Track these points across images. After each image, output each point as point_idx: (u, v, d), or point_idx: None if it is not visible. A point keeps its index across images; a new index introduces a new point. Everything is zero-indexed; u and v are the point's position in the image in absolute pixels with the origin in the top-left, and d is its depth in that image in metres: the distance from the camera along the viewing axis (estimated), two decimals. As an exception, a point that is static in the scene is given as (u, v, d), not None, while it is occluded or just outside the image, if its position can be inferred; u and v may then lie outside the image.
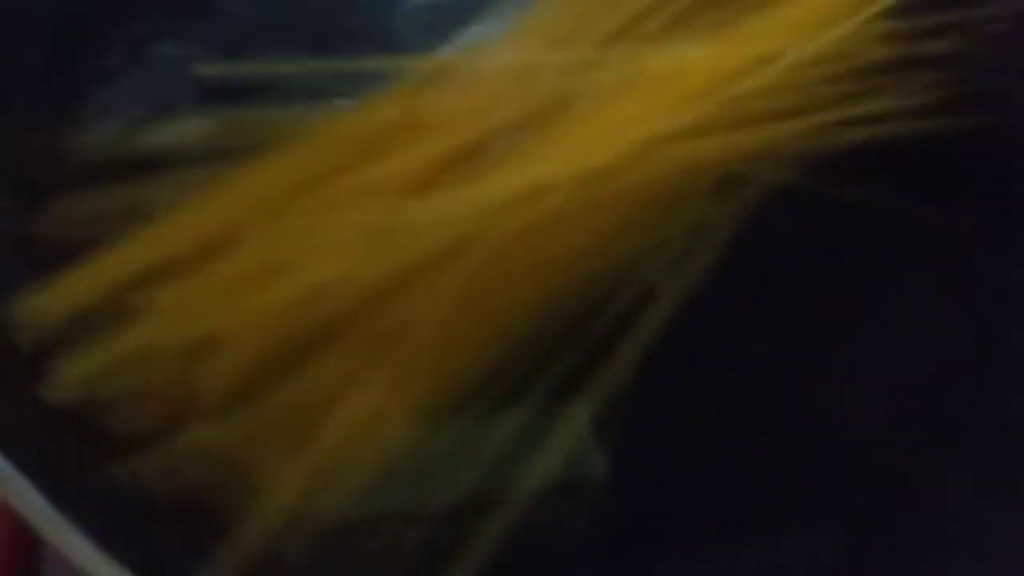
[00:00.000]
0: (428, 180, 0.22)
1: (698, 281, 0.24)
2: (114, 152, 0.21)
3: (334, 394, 0.20)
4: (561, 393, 0.22)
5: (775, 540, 0.24)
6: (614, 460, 0.23)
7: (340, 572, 0.21)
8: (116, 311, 0.19)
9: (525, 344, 0.22)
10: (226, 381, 0.19)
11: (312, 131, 0.22)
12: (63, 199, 0.21)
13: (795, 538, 0.24)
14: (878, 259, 0.27)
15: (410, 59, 0.24)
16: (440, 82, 0.23)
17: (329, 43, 0.26)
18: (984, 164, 0.28)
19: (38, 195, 0.21)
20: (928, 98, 0.26)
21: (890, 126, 0.26)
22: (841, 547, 0.24)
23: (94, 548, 0.16)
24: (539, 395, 0.22)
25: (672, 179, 0.24)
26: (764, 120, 0.25)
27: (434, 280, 0.21)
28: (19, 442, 0.18)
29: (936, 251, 0.27)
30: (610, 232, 0.24)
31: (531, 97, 0.23)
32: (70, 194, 0.21)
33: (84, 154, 0.21)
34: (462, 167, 0.22)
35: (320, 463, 0.19)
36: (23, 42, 0.23)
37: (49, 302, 0.19)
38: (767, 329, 0.25)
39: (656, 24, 0.25)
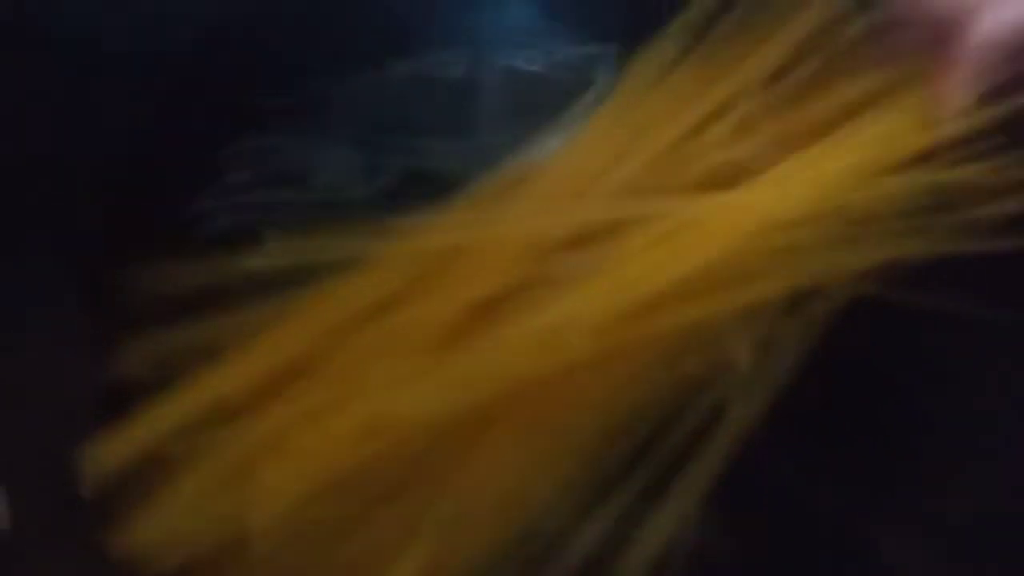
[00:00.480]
0: (486, 313, 0.21)
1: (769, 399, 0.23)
2: (190, 287, 0.22)
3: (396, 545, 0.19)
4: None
5: None
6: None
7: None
8: (176, 456, 0.20)
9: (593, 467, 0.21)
10: (278, 527, 0.19)
11: (371, 261, 0.22)
12: (137, 340, 0.21)
13: None
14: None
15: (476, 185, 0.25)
16: (498, 209, 0.23)
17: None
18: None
19: (113, 338, 0.21)
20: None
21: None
22: None
23: None
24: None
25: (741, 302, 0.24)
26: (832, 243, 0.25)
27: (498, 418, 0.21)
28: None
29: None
30: (672, 355, 0.23)
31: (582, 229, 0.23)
32: (143, 334, 0.21)
33: (159, 291, 0.22)
34: (516, 300, 0.22)
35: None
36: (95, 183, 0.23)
37: (116, 448, 0.19)
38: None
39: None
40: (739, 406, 0.23)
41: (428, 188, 0.26)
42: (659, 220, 0.23)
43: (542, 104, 0.28)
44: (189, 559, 0.19)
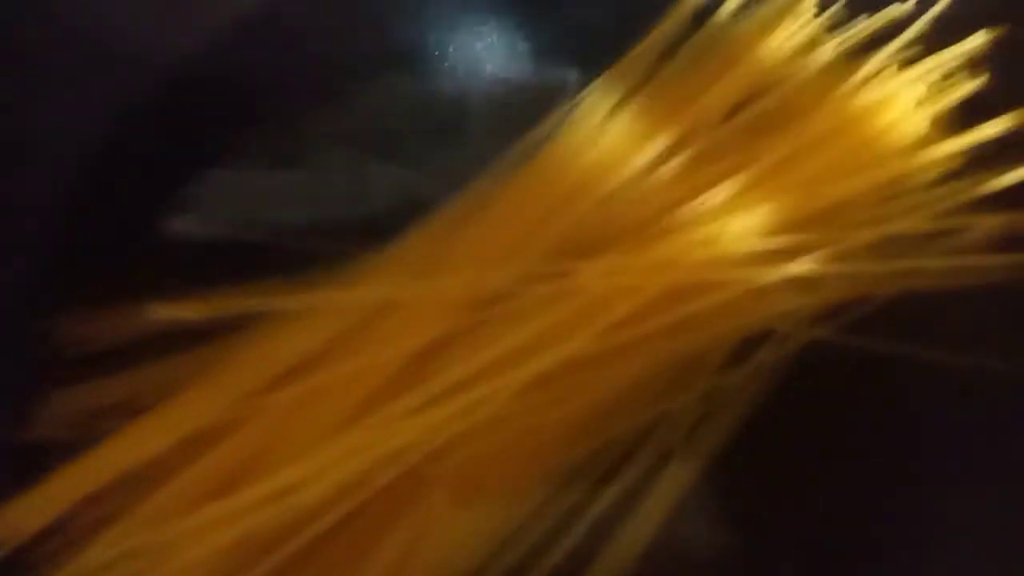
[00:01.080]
0: (413, 369, 0.21)
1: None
2: (108, 340, 0.22)
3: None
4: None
5: None
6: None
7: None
8: (90, 524, 0.19)
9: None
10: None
11: (302, 311, 0.22)
12: (55, 397, 0.21)
13: None
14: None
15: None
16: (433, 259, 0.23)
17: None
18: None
19: (28, 399, 0.21)
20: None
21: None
22: None
23: None
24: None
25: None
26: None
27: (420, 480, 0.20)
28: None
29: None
30: (619, 401, 0.23)
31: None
32: (61, 391, 0.21)
33: (79, 345, 0.22)
34: (447, 353, 0.21)
35: None
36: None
37: (26, 514, 0.19)
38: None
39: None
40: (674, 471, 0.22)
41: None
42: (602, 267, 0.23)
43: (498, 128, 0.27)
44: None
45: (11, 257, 0.22)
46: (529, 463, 0.22)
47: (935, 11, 0.28)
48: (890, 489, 0.23)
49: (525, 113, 0.27)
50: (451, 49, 0.30)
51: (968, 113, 0.27)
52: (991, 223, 0.25)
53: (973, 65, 0.27)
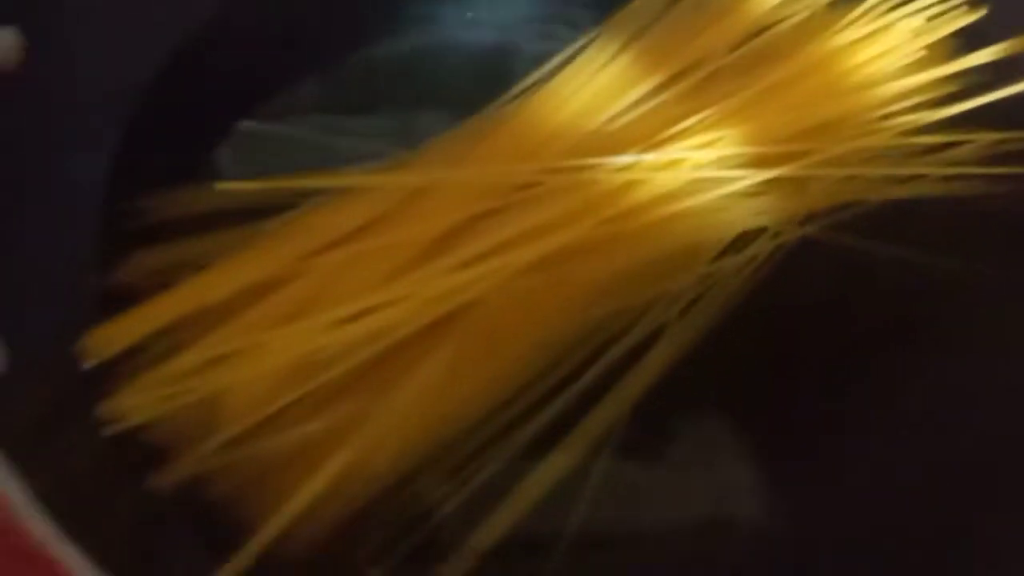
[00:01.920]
0: (440, 245, 0.24)
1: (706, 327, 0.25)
2: (176, 213, 0.25)
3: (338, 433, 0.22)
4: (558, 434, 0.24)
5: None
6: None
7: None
8: (166, 348, 0.23)
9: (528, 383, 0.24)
10: (247, 413, 0.22)
11: (341, 193, 0.25)
12: (135, 255, 0.25)
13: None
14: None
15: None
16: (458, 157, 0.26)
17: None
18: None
19: (115, 251, 0.24)
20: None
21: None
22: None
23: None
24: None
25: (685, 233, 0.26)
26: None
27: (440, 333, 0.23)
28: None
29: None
30: (621, 279, 0.25)
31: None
32: (140, 250, 0.25)
33: (152, 216, 0.25)
34: (469, 232, 0.24)
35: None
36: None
37: (111, 337, 0.22)
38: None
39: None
40: (672, 337, 0.25)
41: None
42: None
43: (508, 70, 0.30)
44: (168, 431, 0.22)
45: (98, 143, 0.26)
46: (537, 330, 0.25)
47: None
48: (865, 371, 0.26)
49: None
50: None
51: (967, 41, 0.30)
52: (981, 140, 0.28)
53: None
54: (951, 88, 0.28)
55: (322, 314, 0.23)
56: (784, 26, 0.30)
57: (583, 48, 0.30)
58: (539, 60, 0.30)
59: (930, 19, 0.29)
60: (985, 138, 0.27)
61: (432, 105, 0.31)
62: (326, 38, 0.31)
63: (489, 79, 0.30)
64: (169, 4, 0.28)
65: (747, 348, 0.26)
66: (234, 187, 0.24)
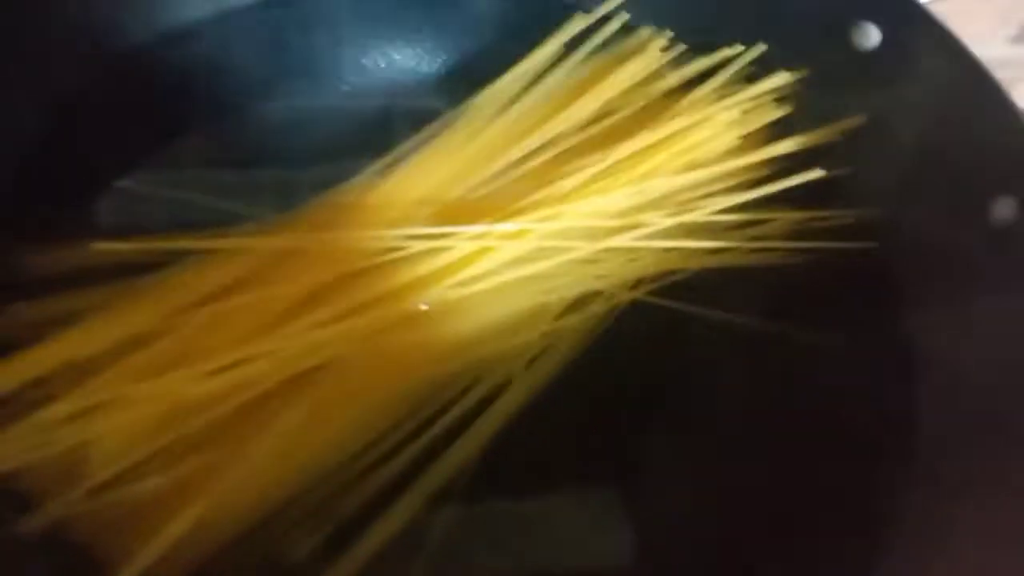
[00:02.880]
0: (305, 303, 0.27)
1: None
2: (52, 269, 0.27)
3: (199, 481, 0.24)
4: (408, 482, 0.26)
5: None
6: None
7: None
8: (38, 399, 0.24)
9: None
10: (113, 461, 0.23)
11: (213, 252, 0.27)
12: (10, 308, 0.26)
13: None
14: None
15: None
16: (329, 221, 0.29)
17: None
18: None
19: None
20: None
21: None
22: None
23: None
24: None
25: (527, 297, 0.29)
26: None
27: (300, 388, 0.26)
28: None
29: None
30: (472, 337, 0.28)
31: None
32: (16, 303, 0.26)
33: (29, 270, 0.27)
34: (334, 292, 0.27)
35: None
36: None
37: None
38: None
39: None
40: (518, 389, 0.28)
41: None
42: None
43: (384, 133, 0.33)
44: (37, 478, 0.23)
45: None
46: (392, 384, 0.27)
47: (753, 55, 0.35)
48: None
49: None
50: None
51: (776, 132, 0.34)
52: (785, 217, 0.32)
53: (779, 97, 0.35)
54: (761, 172, 0.33)
55: (188, 368, 0.24)
56: (624, 113, 0.34)
57: (452, 120, 0.34)
58: (412, 128, 0.33)
59: (746, 112, 0.34)
60: (788, 216, 0.32)
61: (310, 166, 0.33)
62: (211, 97, 0.34)
63: (366, 143, 0.33)
64: (51, 64, 0.30)
65: (586, 399, 0.29)
66: (109, 246, 0.26)
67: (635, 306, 0.30)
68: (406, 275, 0.28)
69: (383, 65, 0.36)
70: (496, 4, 0.37)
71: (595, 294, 0.30)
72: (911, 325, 0.31)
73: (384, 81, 0.36)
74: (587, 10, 0.36)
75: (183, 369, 0.24)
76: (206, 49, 0.33)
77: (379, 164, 0.32)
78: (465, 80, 0.35)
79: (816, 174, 0.32)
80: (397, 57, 0.36)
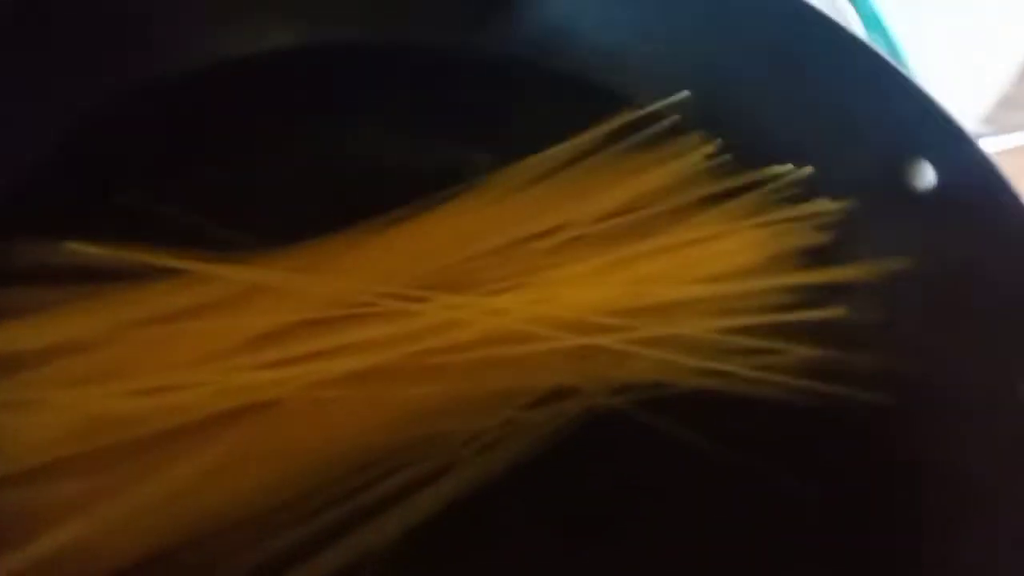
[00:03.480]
0: (259, 342, 0.26)
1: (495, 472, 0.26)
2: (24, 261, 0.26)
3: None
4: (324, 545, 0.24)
5: None
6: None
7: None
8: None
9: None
10: (20, 458, 0.23)
11: (190, 273, 0.27)
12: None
13: None
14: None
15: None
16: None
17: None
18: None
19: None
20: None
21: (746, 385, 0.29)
22: None
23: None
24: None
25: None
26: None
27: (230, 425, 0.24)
28: None
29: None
30: (426, 409, 0.27)
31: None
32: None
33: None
34: (290, 335, 0.26)
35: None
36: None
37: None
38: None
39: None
40: (460, 474, 0.26)
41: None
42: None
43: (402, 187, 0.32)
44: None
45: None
46: (329, 441, 0.25)
47: (798, 175, 0.33)
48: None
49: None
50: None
51: (806, 260, 0.32)
52: (794, 352, 0.30)
53: (817, 224, 0.32)
54: (782, 298, 0.31)
55: (123, 381, 0.24)
56: (649, 211, 0.32)
57: (471, 187, 0.33)
58: (431, 187, 0.32)
59: (778, 233, 0.32)
60: (800, 352, 0.29)
61: (318, 207, 0.32)
62: (235, 128, 0.34)
63: (382, 194, 0.32)
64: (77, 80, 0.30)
65: (531, 503, 0.27)
66: (83, 249, 0.25)
67: (609, 413, 0.28)
68: (372, 332, 0.26)
69: (417, 124, 0.36)
70: (545, 88, 0.37)
71: (570, 391, 0.28)
72: (916, 500, 0.28)
73: (414, 138, 0.36)
74: (639, 106, 0.35)
75: (116, 382, 0.24)
76: (239, 83, 0.33)
77: (386, 216, 0.31)
78: (497, 153, 0.34)
79: (839, 312, 0.30)
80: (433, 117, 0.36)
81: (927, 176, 0.31)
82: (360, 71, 0.36)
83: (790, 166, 0.33)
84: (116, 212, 0.30)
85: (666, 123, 0.35)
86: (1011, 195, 0.28)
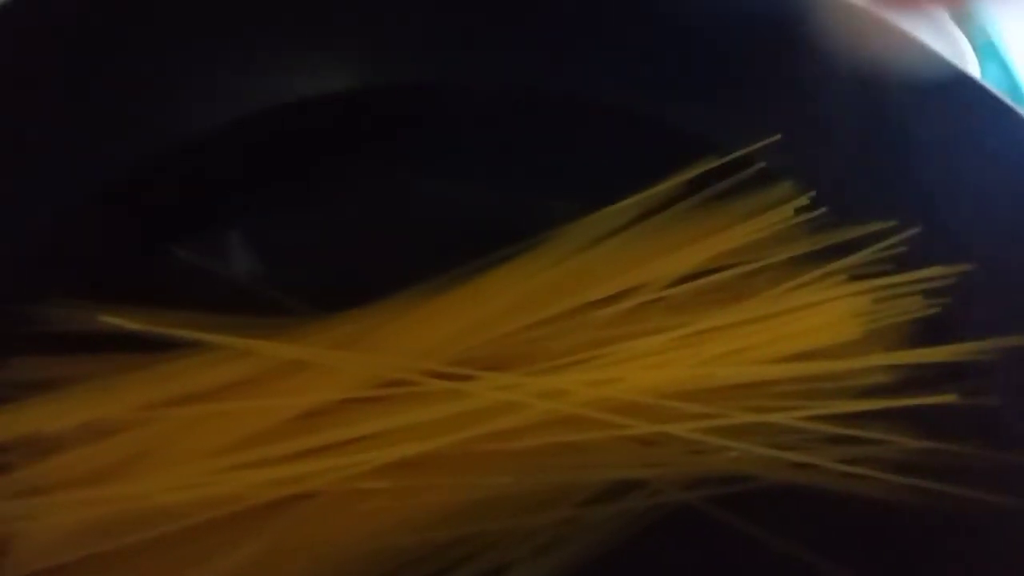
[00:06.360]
0: (296, 424, 0.24)
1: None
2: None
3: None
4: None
5: None
6: None
7: None
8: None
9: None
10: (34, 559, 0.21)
11: (228, 349, 0.25)
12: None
13: None
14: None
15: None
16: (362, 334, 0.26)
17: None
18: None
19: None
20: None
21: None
22: None
23: None
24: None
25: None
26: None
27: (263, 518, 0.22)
28: None
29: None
30: (475, 504, 0.24)
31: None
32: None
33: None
34: (329, 418, 0.24)
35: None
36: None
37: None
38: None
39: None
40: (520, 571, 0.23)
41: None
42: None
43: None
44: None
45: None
46: (368, 539, 0.23)
47: (905, 235, 0.29)
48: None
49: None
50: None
51: (916, 336, 0.28)
52: (897, 443, 0.26)
53: (930, 293, 0.28)
54: (884, 379, 0.27)
55: (149, 473, 0.22)
56: (731, 274, 0.29)
57: (534, 244, 0.30)
58: (497, 241, 0.29)
59: (880, 301, 0.28)
60: (900, 442, 0.26)
61: (373, 265, 0.31)
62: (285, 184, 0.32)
63: (439, 251, 0.30)
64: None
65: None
66: (115, 320, 0.24)
67: (681, 510, 0.25)
68: (417, 416, 0.24)
69: (482, 172, 0.34)
70: (624, 131, 0.34)
71: (637, 484, 0.25)
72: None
73: (480, 188, 0.33)
74: (724, 152, 0.32)
75: (142, 473, 0.22)
76: (290, 130, 0.32)
77: (444, 277, 0.29)
78: (567, 202, 0.32)
79: (950, 397, 0.26)
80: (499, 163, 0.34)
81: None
82: (421, 114, 0.34)
83: (895, 223, 0.30)
84: (161, 269, 0.29)
85: (753, 170, 0.32)
86: None
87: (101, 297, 0.25)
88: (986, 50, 0.41)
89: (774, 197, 0.31)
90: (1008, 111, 0.29)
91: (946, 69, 0.30)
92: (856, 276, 0.29)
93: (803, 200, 0.31)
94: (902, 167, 0.31)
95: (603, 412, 0.25)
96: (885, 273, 0.29)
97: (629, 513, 0.25)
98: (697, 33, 0.33)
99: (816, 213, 0.30)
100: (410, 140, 0.34)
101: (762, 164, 0.32)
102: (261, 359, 0.25)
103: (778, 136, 0.31)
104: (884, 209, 0.30)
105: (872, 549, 0.25)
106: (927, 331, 0.28)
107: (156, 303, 0.25)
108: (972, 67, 0.39)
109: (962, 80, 0.30)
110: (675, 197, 0.31)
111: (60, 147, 0.29)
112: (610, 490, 0.25)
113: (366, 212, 0.32)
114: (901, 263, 0.29)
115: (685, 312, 0.28)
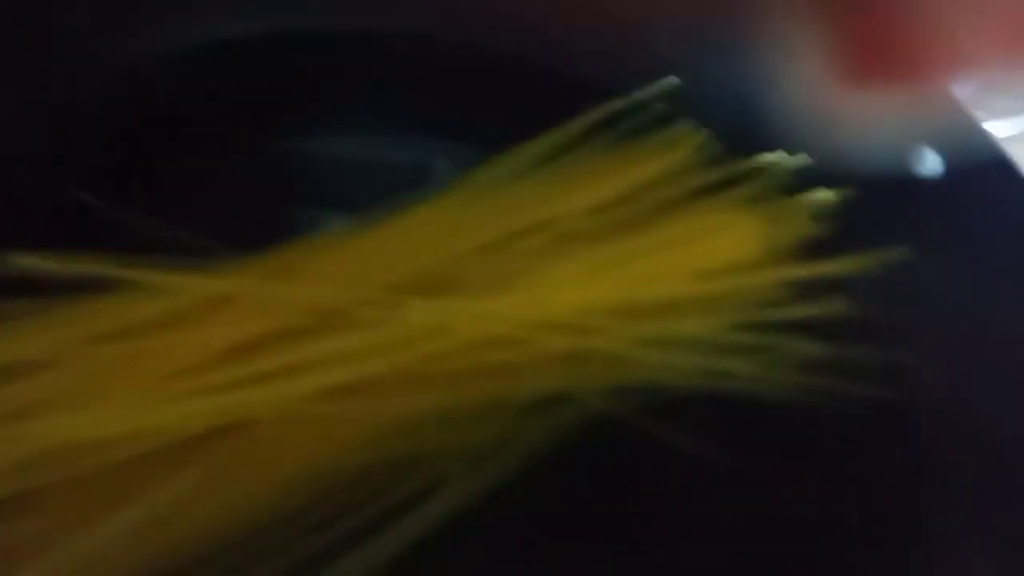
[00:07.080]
0: (231, 355, 0.24)
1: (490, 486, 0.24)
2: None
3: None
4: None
5: None
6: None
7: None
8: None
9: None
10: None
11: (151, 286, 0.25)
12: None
13: None
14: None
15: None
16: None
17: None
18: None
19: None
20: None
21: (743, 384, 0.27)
22: None
23: None
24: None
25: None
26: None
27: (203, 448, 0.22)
28: None
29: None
30: (411, 423, 0.25)
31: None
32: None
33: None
34: (263, 348, 0.24)
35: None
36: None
37: None
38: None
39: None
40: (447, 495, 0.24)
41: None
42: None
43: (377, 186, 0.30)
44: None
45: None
46: (310, 461, 0.24)
47: (794, 165, 0.32)
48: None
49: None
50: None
51: (806, 253, 0.31)
52: (799, 348, 0.28)
53: (816, 215, 0.31)
54: (781, 293, 0.29)
55: (79, 407, 0.22)
56: (640, 206, 0.31)
57: (451, 184, 0.31)
58: (407, 186, 0.30)
59: (775, 225, 0.31)
60: (801, 347, 0.28)
61: (287, 208, 0.31)
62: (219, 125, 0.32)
63: (357, 194, 0.31)
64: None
65: (529, 515, 0.25)
66: (30, 262, 0.23)
67: (606, 419, 0.26)
68: (349, 343, 0.24)
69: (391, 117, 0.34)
70: (529, 81, 0.35)
71: (564, 398, 0.26)
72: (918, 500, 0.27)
73: (389, 133, 0.34)
74: (624, 95, 0.33)
75: (72, 408, 0.22)
76: (196, 76, 0.31)
77: (359, 217, 0.29)
78: (476, 147, 0.33)
79: (840, 306, 0.29)
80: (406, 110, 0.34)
81: (932, 164, 0.29)
82: (328, 61, 0.34)
83: (784, 154, 0.32)
84: (69, 217, 0.28)
85: (650, 113, 0.33)
86: (1020, 182, 0.27)
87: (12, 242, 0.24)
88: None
89: (673, 136, 0.33)
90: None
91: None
92: (752, 203, 0.31)
93: (700, 138, 0.33)
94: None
95: (528, 331, 0.26)
96: (778, 199, 0.31)
97: (558, 425, 0.26)
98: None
99: (712, 149, 0.33)
100: (315, 89, 0.34)
101: (661, 107, 0.33)
102: (188, 295, 0.25)
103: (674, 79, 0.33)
104: (774, 143, 0.33)
105: (774, 445, 0.27)
106: (818, 249, 0.30)
107: (71, 249, 0.25)
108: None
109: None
110: (579, 140, 0.33)
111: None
112: (539, 405, 0.26)
113: (271, 163, 0.32)
114: (792, 189, 0.31)
115: (600, 241, 0.29)
